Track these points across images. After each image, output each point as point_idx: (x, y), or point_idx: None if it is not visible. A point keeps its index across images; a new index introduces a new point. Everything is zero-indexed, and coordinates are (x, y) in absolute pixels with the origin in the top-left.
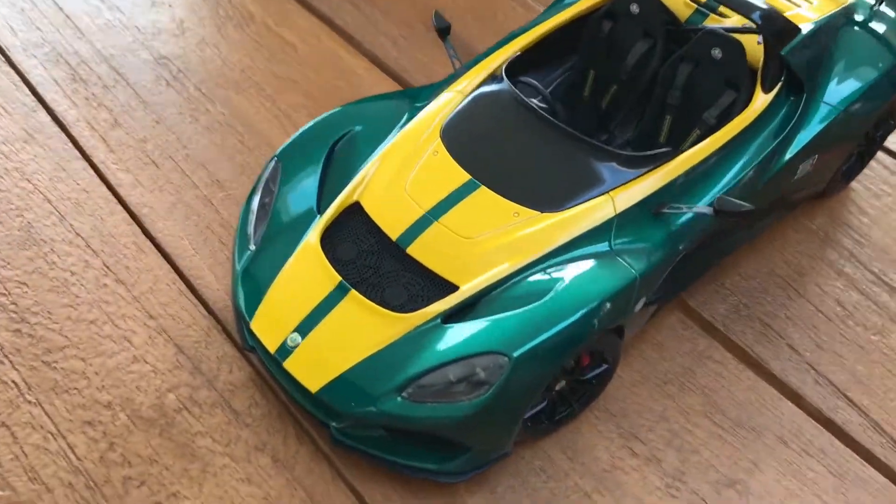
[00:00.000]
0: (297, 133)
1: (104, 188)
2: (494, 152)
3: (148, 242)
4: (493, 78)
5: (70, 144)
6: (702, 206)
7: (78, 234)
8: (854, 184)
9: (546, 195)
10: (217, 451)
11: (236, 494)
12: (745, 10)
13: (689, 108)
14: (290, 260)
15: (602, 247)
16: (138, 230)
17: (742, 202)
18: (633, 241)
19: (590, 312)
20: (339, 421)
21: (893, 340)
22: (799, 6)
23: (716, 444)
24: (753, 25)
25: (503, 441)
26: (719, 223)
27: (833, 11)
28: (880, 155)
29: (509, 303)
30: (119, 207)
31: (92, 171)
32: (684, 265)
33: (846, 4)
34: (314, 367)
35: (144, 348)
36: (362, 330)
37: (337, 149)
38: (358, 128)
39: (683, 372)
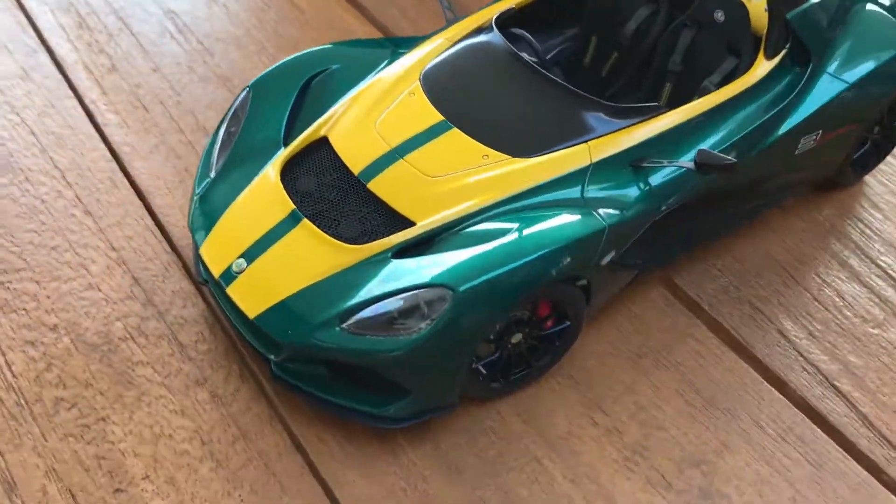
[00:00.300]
0: (274, 65)
1: (90, 126)
2: (473, 97)
3: (124, 179)
4: (483, 29)
5: (65, 84)
6: (683, 161)
7: (56, 167)
8: (869, 178)
9: (520, 141)
10: (155, 381)
11: (167, 425)
12: None
13: (691, 74)
14: (248, 188)
15: (573, 194)
16: (116, 167)
17: (725, 155)
18: (608, 193)
19: (547, 256)
20: (278, 353)
21: (894, 335)
22: None
23: (685, 422)
24: None
25: (445, 389)
26: (706, 185)
27: None
28: None
29: (465, 241)
30: (101, 145)
31: (81, 110)
32: (668, 232)
33: None
34: (256, 293)
35: (101, 277)
36: (309, 259)
37: (312, 84)
38: (336, 66)
39: (660, 348)
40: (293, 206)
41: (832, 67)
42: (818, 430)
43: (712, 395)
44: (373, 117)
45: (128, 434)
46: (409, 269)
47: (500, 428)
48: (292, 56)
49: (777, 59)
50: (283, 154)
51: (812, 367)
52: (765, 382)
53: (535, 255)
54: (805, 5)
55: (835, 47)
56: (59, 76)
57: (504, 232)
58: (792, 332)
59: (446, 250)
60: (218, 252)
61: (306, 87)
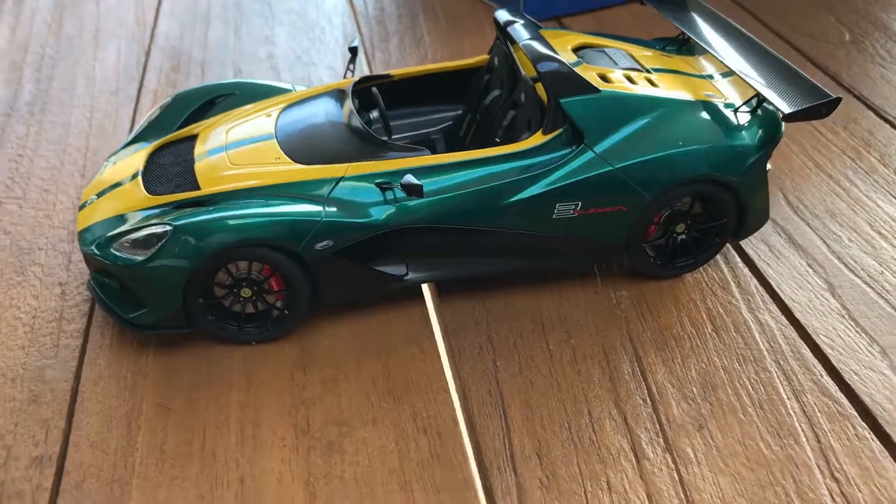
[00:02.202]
0: (201, 85)
1: None
2: (303, 124)
3: None
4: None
5: None
6: (407, 179)
7: None
8: (690, 276)
9: (305, 154)
10: None
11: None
12: (533, 59)
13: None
14: (127, 157)
15: (321, 193)
16: None
17: (416, 181)
18: (346, 199)
19: (256, 224)
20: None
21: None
22: (636, 84)
23: (361, 398)
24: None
25: (171, 312)
26: (426, 211)
27: (668, 95)
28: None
29: (220, 206)
30: None
31: None
32: (436, 254)
33: (696, 100)
34: (86, 218)
35: None
36: (123, 201)
37: (217, 101)
38: (237, 93)
39: (390, 344)
40: (138, 168)
41: (601, 150)
42: (465, 439)
43: (396, 389)
44: (228, 125)
45: None
46: (171, 215)
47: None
48: (215, 82)
49: (551, 135)
50: (163, 139)
51: (497, 392)
52: (446, 392)
53: (245, 221)
54: (581, 96)
55: (613, 135)
56: None
57: (248, 206)
58: (503, 367)
59: (204, 209)
60: (88, 192)
61: (212, 102)
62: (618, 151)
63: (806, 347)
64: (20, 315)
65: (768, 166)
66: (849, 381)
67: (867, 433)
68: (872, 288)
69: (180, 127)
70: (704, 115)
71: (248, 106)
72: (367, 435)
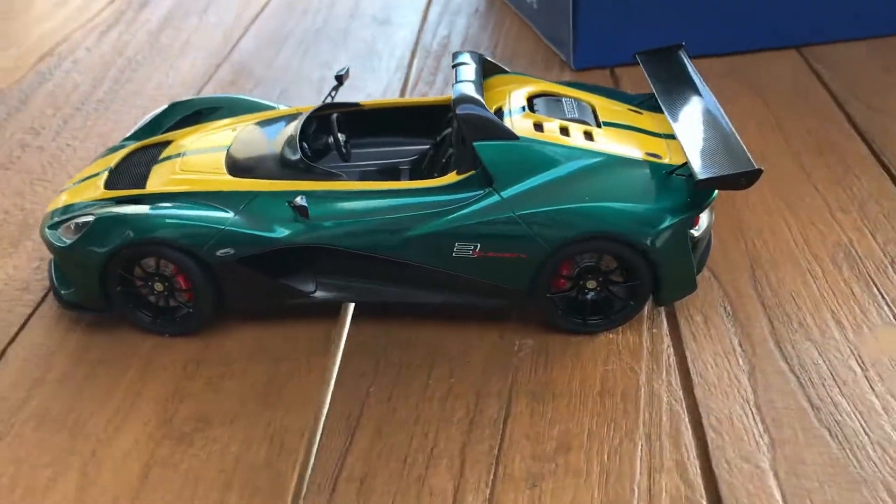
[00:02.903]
0: (197, 97)
1: None
2: (253, 140)
3: None
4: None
5: None
6: (297, 200)
7: None
8: (606, 335)
9: (241, 169)
10: None
11: None
12: (454, 101)
13: None
14: (113, 154)
15: (236, 204)
16: None
17: (302, 203)
18: (256, 212)
19: (161, 224)
20: None
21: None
22: (568, 136)
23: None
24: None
25: (89, 292)
26: (319, 234)
27: (596, 150)
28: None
29: (142, 206)
30: None
31: None
32: (341, 277)
33: (626, 158)
34: (55, 202)
35: None
36: (85, 192)
37: (204, 112)
38: (224, 107)
39: (277, 359)
40: (110, 165)
41: (507, 195)
42: (300, 454)
43: (270, 396)
44: (200, 135)
45: None
46: (106, 206)
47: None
48: (212, 96)
49: (463, 176)
50: (144, 141)
51: (356, 415)
52: (312, 408)
53: (157, 220)
54: (496, 142)
55: (520, 182)
56: None
57: (165, 207)
58: (375, 392)
59: (128, 206)
60: (73, 180)
61: (198, 113)
62: (523, 199)
63: (688, 426)
64: None
65: (703, 222)
66: (715, 468)
67: None
68: (798, 378)
69: (165, 132)
70: (627, 172)
71: (227, 120)
72: (220, 434)
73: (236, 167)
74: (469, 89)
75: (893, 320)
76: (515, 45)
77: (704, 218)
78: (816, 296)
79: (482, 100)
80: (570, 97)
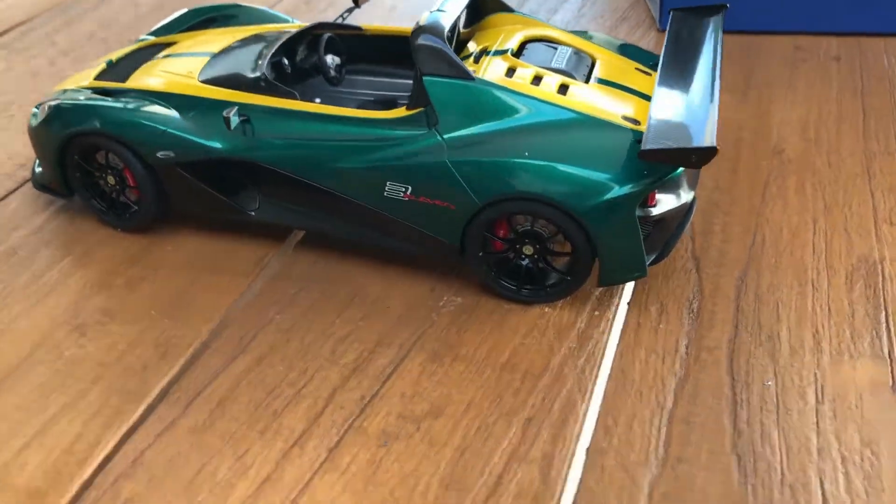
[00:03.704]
0: (216, 4)
1: None
2: (239, 50)
3: None
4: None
5: None
6: (228, 110)
7: None
8: (543, 307)
9: (210, 76)
10: None
11: None
12: (414, 30)
13: None
14: (127, 47)
15: (188, 108)
16: None
17: (228, 115)
18: (203, 119)
19: (107, 119)
20: None
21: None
22: (538, 86)
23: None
24: None
25: (51, 173)
26: (281, 160)
27: (557, 105)
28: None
29: (104, 98)
30: None
31: None
32: (281, 200)
33: (591, 117)
34: (61, 84)
35: None
36: (81, 79)
37: (217, 19)
38: (238, 17)
39: (201, 271)
40: (112, 58)
41: (448, 138)
42: (177, 364)
43: (176, 305)
44: (200, 38)
45: None
46: (74, 94)
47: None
48: (223, 3)
49: (412, 112)
50: (153, 40)
51: (249, 338)
52: (209, 325)
53: (105, 114)
54: (449, 79)
55: (465, 127)
56: None
57: (120, 103)
58: (280, 320)
59: (91, 97)
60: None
61: (213, 20)
62: (462, 145)
63: (578, 420)
64: None
65: (665, 201)
66: (584, 471)
67: None
68: (735, 396)
69: (179, 33)
70: (586, 133)
71: (232, 28)
72: (115, 331)
73: (209, 75)
74: (437, 19)
75: (885, 355)
76: None
77: (668, 197)
78: (806, 310)
79: (446, 32)
80: (571, 46)
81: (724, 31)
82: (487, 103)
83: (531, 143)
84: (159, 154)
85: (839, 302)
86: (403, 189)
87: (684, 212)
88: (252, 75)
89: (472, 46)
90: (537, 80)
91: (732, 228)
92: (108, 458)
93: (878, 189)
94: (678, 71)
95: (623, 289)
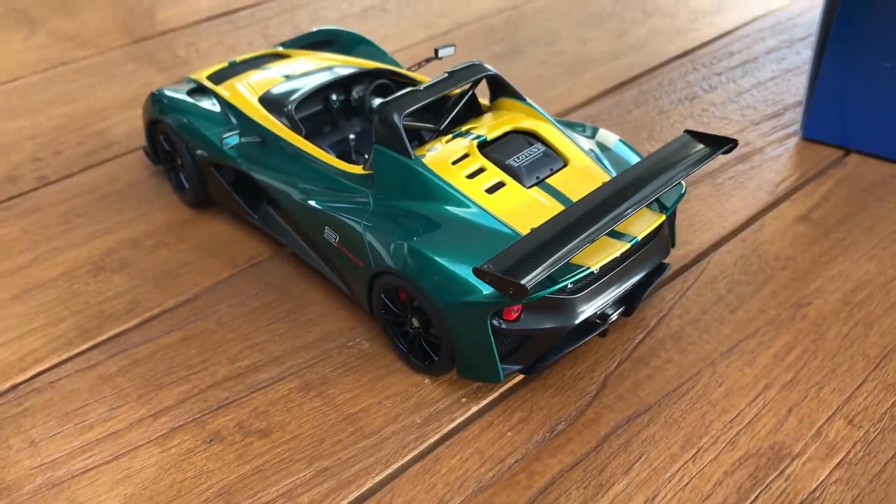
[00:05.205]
0: (339, 29)
1: None
2: (304, 79)
3: None
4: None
5: None
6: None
7: None
8: (426, 379)
9: (268, 99)
10: None
11: None
12: (381, 102)
13: None
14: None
15: (232, 120)
16: None
17: (223, 141)
18: (235, 133)
19: (174, 114)
20: None
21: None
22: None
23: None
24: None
25: (148, 144)
26: (262, 177)
27: (473, 202)
28: None
29: (201, 95)
30: None
31: None
32: (276, 214)
33: (498, 221)
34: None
35: None
36: (203, 72)
37: (333, 43)
38: (346, 44)
39: (201, 252)
40: (236, 60)
41: (374, 205)
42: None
43: (167, 275)
44: (299, 59)
45: None
46: (183, 84)
47: None
48: (346, 30)
49: (366, 172)
50: (277, 51)
51: (174, 321)
52: (177, 301)
53: (176, 107)
54: (393, 152)
55: (390, 198)
56: None
57: (198, 104)
58: (220, 314)
59: (191, 95)
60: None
61: (331, 42)
62: (381, 213)
63: (360, 489)
64: None
65: (527, 319)
66: None
67: None
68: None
69: (299, 48)
70: (475, 235)
71: (328, 54)
72: (117, 280)
73: (267, 95)
74: (404, 98)
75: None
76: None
77: (543, 317)
78: (661, 476)
79: (407, 109)
80: (549, 147)
81: (871, 155)
82: (411, 182)
83: (426, 228)
84: (197, 151)
85: (704, 481)
86: (335, 237)
87: (565, 335)
88: (286, 104)
89: (463, 126)
90: (479, 171)
91: (667, 369)
92: (38, 374)
93: (873, 380)
94: (600, 198)
95: (508, 385)
